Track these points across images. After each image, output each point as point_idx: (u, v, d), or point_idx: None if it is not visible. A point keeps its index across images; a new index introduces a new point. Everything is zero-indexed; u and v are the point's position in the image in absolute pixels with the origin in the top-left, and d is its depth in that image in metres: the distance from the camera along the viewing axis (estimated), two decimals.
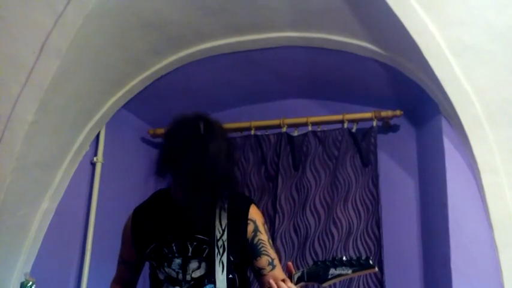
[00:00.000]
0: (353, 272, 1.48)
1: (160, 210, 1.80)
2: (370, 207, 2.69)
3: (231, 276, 1.69)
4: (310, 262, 2.66)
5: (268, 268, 1.69)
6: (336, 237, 2.67)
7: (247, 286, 1.81)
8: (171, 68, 2.74)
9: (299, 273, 1.54)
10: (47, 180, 2.50)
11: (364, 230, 2.67)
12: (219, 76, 2.86)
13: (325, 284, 1.50)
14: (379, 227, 2.64)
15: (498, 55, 2.06)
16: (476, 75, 2.11)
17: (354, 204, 2.72)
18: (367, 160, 2.76)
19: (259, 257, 1.70)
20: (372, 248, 2.63)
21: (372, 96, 2.91)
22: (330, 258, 1.53)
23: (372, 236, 2.64)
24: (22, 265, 2.42)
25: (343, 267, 1.49)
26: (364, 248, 2.64)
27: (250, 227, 1.73)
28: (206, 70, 2.79)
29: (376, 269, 1.51)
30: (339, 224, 2.69)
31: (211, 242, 1.69)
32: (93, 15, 2.13)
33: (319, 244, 2.69)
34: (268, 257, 1.70)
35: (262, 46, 2.63)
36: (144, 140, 3.27)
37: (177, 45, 2.61)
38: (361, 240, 2.66)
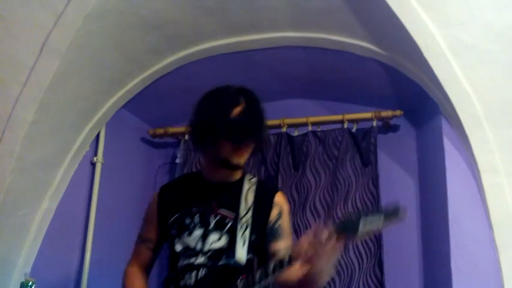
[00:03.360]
0: (385, 221, 1.48)
1: (188, 184, 1.85)
2: (370, 207, 2.69)
3: (250, 255, 1.67)
4: None
5: (282, 252, 1.66)
6: None
7: None
8: (171, 68, 2.74)
9: (329, 230, 1.47)
10: (47, 180, 2.50)
11: None
12: (218, 76, 2.86)
13: (359, 236, 1.47)
14: None
15: (498, 55, 2.06)
16: (476, 75, 2.11)
17: (354, 204, 2.72)
18: (367, 160, 2.76)
19: (278, 240, 1.69)
20: (372, 248, 2.63)
21: (372, 96, 2.91)
22: (361, 210, 1.50)
23: (372, 236, 2.64)
24: (22, 265, 2.42)
25: (375, 216, 1.47)
26: (364, 248, 2.64)
27: (275, 211, 1.75)
28: (206, 70, 2.79)
29: (403, 217, 1.51)
30: None
31: (235, 217, 1.69)
32: (93, 15, 2.13)
33: None
34: (286, 242, 1.70)
35: (262, 46, 2.63)
36: (144, 140, 3.27)
37: (176, 45, 2.61)
38: (361, 240, 2.65)
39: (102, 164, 2.83)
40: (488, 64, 2.09)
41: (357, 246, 2.65)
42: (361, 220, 1.45)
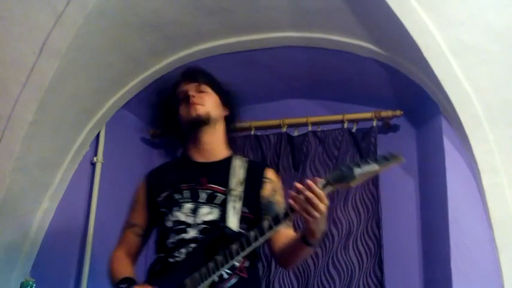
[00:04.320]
0: (380, 166, 1.44)
1: (175, 165, 1.88)
2: (370, 207, 2.69)
3: (243, 227, 1.64)
4: (310, 262, 2.67)
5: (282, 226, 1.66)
6: (336, 237, 2.67)
7: (258, 253, 1.80)
8: (171, 68, 2.74)
9: (323, 181, 1.47)
10: (47, 180, 2.50)
11: (364, 230, 2.66)
12: (218, 76, 2.85)
13: (353, 184, 1.46)
14: (379, 227, 2.64)
15: (498, 55, 2.06)
16: (476, 75, 2.11)
17: (354, 204, 2.72)
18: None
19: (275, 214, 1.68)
20: (372, 248, 2.63)
21: (371, 97, 2.90)
22: (353, 162, 1.48)
23: (372, 236, 2.64)
24: (22, 265, 2.42)
25: (369, 165, 1.45)
26: (364, 248, 2.64)
27: (269, 186, 1.76)
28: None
29: (403, 158, 1.47)
30: (339, 224, 2.69)
31: (226, 191, 1.69)
32: (93, 15, 2.13)
33: (319, 244, 2.69)
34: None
35: (262, 46, 2.63)
36: (144, 140, 3.27)
37: (177, 45, 2.61)
38: (361, 240, 2.65)
39: (102, 164, 2.82)
40: (488, 64, 2.09)
41: (357, 245, 2.65)
42: (355, 171, 1.44)
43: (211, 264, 1.53)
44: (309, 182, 1.45)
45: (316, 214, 1.44)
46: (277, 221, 1.50)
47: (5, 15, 2.12)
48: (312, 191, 1.44)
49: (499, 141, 2.12)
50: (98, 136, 2.82)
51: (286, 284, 2.67)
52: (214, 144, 1.82)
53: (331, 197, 2.71)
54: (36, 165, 2.38)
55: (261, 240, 1.51)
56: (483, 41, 2.05)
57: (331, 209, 2.72)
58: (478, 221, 2.18)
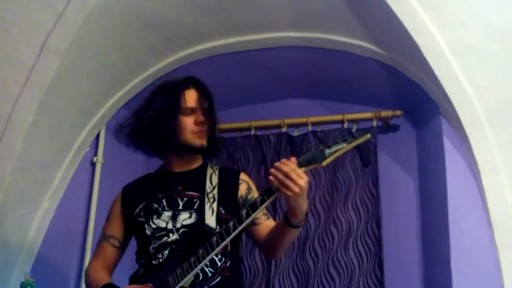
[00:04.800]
0: (348, 144, 1.48)
1: (150, 178, 1.87)
2: (370, 207, 2.69)
3: (219, 228, 1.63)
4: (310, 262, 2.67)
5: (263, 218, 1.69)
6: (336, 237, 2.67)
7: (239, 256, 1.80)
8: (171, 68, 2.74)
9: (296, 162, 1.51)
10: (47, 180, 2.50)
11: (364, 230, 2.66)
12: (219, 76, 2.86)
13: (324, 163, 1.50)
14: (379, 227, 2.64)
15: (498, 55, 2.06)
16: (476, 75, 2.11)
17: (354, 204, 2.72)
18: (367, 160, 2.76)
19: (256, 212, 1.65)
20: (372, 248, 2.63)
21: (371, 96, 2.90)
22: (321, 144, 1.53)
23: (372, 236, 2.64)
24: (22, 265, 2.42)
25: (338, 144, 1.48)
26: (364, 248, 2.64)
27: (243, 186, 1.77)
28: (206, 70, 2.77)
29: (369, 135, 1.51)
30: (339, 224, 2.69)
31: (202, 196, 1.70)
32: (93, 15, 2.13)
33: (319, 244, 2.69)
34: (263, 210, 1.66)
35: (262, 46, 2.63)
36: None
37: (177, 45, 2.61)
38: (361, 240, 2.65)
39: (102, 164, 2.82)
40: (488, 64, 2.09)
41: (357, 245, 2.65)
42: (325, 151, 1.49)
43: (192, 259, 1.54)
44: (285, 160, 1.50)
45: (296, 188, 1.45)
46: (254, 207, 1.51)
47: (5, 15, 2.12)
48: (290, 166, 1.48)
49: (499, 141, 2.12)
50: (98, 136, 2.82)
51: (286, 284, 2.67)
52: (194, 157, 1.82)
53: (331, 196, 2.74)
54: (36, 165, 2.38)
55: (240, 228, 1.51)
56: (483, 41, 2.05)
57: (331, 209, 2.73)
58: (478, 221, 2.18)
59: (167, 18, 2.38)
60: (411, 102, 2.79)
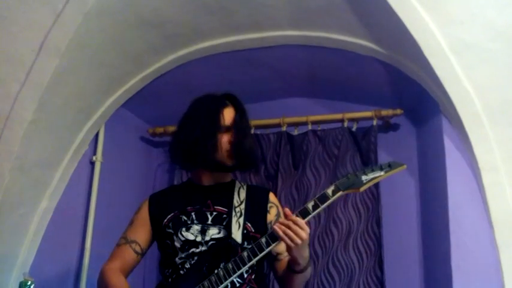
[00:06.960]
0: (385, 172, 1.59)
1: (179, 189, 1.90)
2: (370, 207, 2.69)
3: (246, 243, 1.67)
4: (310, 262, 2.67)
5: (285, 254, 1.70)
6: (336, 237, 2.67)
7: (264, 272, 1.84)
8: (170, 66, 2.74)
9: (332, 187, 1.58)
10: (46, 180, 2.49)
11: (364, 230, 2.66)
12: (218, 75, 2.86)
13: (362, 189, 1.59)
14: (379, 226, 2.64)
15: (499, 54, 2.06)
16: (476, 74, 2.11)
17: (354, 204, 2.71)
18: (367, 159, 2.75)
19: (280, 241, 1.68)
20: (372, 247, 2.63)
21: (372, 95, 2.90)
22: (359, 170, 1.62)
23: (372, 236, 2.64)
24: (21, 265, 2.42)
25: (374, 172, 1.59)
26: (364, 247, 2.64)
27: (274, 210, 1.81)
28: (205, 69, 2.78)
29: (405, 166, 1.62)
30: (339, 224, 2.68)
31: (229, 211, 1.73)
32: (92, 13, 2.12)
33: (319, 244, 2.69)
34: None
35: (262, 45, 2.62)
36: (143, 139, 3.27)
37: (176, 44, 2.60)
38: (361, 239, 2.65)
39: (102, 163, 2.82)
40: (489, 63, 2.08)
41: (357, 245, 2.65)
42: (362, 178, 1.59)
43: (221, 272, 1.58)
44: (286, 210, 1.56)
45: (298, 240, 1.52)
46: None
47: (4, 15, 2.11)
48: (293, 220, 1.53)
49: (499, 140, 2.12)
50: (97, 135, 2.81)
51: None
52: (224, 173, 1.85)
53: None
54: (35, 164, 2.38)
55: (273, 245, 1.57)
56: (484, 40, 2.05)
57: (331, 208, 2.72)
58: (479, 220, 2.18)
59: (166, 17, 2.37)
60: (411, 101, 2.79)
